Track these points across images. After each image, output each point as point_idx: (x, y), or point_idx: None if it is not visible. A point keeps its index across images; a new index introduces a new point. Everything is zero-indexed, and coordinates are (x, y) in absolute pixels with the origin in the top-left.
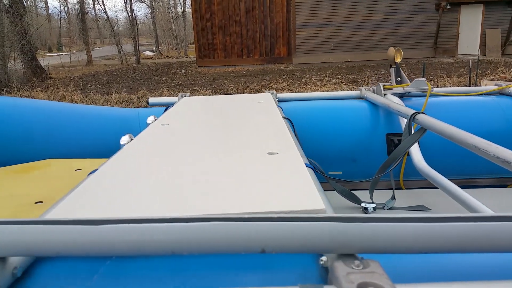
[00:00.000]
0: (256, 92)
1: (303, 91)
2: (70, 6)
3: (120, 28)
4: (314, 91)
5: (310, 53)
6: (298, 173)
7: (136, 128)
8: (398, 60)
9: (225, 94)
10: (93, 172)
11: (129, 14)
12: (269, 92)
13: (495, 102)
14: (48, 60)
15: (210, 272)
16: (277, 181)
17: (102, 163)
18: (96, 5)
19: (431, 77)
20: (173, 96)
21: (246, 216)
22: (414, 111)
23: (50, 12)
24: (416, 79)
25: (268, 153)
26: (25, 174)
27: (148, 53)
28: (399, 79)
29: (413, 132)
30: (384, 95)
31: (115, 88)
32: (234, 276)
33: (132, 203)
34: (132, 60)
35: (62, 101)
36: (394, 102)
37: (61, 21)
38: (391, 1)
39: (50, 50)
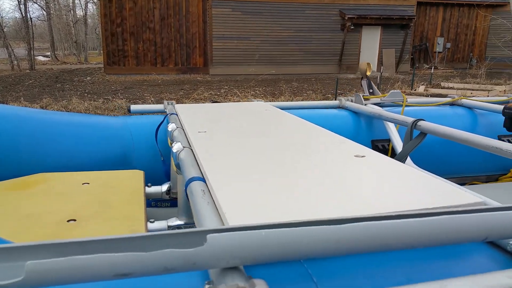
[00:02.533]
0: (177, 102)
1: (226, 101)
2: None
3: (5, 30)
4: (237, 101)
5: (226, 65)
6: (411, 173)
7: (127, 136)
8: (368, 73)
9: (213, 102)
10: (191, 180)
11: (23, 15)
12: (257, 101)
13: (454, 112)
14: None
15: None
16: (398, 182)
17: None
18: None
19: (339, 91)
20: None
21: (470, 208)
22: (412, 119)
23: None
24: (392, 91)
25: (355, 156)
26: (23, 190)
27: (41, 58)
28: (371, 90)
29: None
30: (365, 104)
31: (11, 96)
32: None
33: (284, 206)
34: (24, 65)
35: None
36: (378, 111)
37: None
38: (302, 19)
39: None
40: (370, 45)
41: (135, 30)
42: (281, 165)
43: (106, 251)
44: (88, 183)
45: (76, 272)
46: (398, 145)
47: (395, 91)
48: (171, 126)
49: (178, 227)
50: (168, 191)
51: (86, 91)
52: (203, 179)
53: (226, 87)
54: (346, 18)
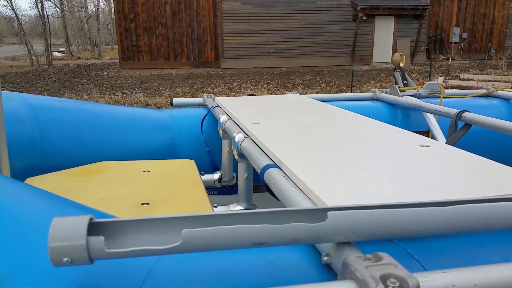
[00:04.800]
0: (193, 96)
1: (238, 95)
2: None
3: (23, 27)
4: (251, 95)
5: (238, 58)
6: (484, 162)
7: (174, 128)
8: (402, 64)
9: (250, 95)
10: (266, 167)
11: (40, 12)
12: (293, 93)
13: (491, 103)
14: None
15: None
16: (473, 170)
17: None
18: None
19: (353, 84)
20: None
21: None
22: (455, 110)
23: None
24: (429, 82)
25: (420, 146)
26: (89, 177)
27: (57, 53)
28: (405, 82)
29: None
30: (401, 96)
31: (34, 91)
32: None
33: (370, 190)
34: (42, 61)
35: None
36: (417, 102)
37: None
38: (313, 11)
39: None
40: (383, 36)
41: (148, 25)
42: (351, 154)
43: (246, 223)
44: (149, 171)
45: (222, 240)
46: (439, 136)
47: (432, 82)
48: (222, 118)
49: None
50: (219, 179)
51: (104, 85)
52: (278, 166)
53: (238, 80)
54: (358, 9)
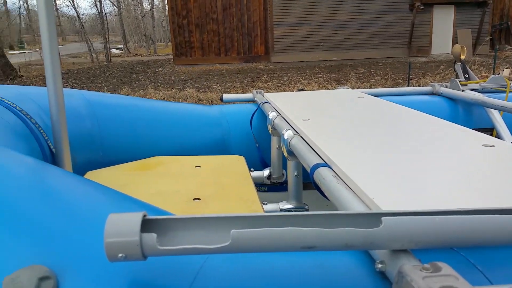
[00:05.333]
0: (243, 91)
1: (289, 90)
2: (30, 1)
3: (84, 25)
4: (301, 90)
5: (288, 52)
6: None
7: (224, 124)
8: (463, 56)
9: (299, 90)
10: (316, 166)
11: (99, 11)
12: (345, 88)
13: None
14: (9, 58)
15: None
16: None
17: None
18: (58, 1)
19: (411, 76)
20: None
21: None
22: None
23: (8, 8)
24: (493, 76)
25: (483, 145)
26: (144, 171)
27: (114, 50)
28: (467, 75)
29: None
30: (462, 90)
31: (95, 87)
32: None
33: (426, 194)
34: (101, 58)
35: None
36: (480, 97)
37: (21, 18)
38: (366, 1)
39: (11, 48)
40: (442, 26)
41: (199, 21)
42: (407, 154)
43: (296, 225)
44: (200, 166)
45: (271, 242)
46: (505, 135)
47: (496, 75)
48: (271, 115)
49: (289, 210)
50: (269, 176)
51: (159, 81)
52: (328, 165)
53: (288, 75)
54: None
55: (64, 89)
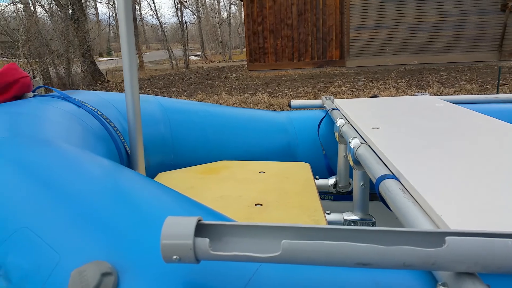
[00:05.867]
0: (314, 96)
1: (363, 95)
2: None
3: (166, 34)
4: (374, 96)
5: (364, 56)
6: None
7: (291, 130)
8: None
9: (372, 97)
10: (382, 178)
11: (180, 20)
12: (423, 94)
13: None
14: (98, 64)
15: None
16: None
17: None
18: (142, 11)
19: (502, 82)
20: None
21: None
22: None
23: (99, 18)
24: None
25: None
26: (212, 175)
27: (193, 57)
28: None
29: None
30: None
31: (173, 92)
32: None
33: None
34: (181, 64)
35: None
36: None
37: (110, 27)
38: (452, 2)
39: (100, 55)
40: None
41: (274, 27)
42: (487, 170)
43: (350, 240)
44: (264, 172)
45: (322, 256)
46: None
47: None
48: (339, 122)
49: (354, 221)
50: (335, 184)
51: (233, 86)
52: (395, 177)
53: (364, 79)
54: None
55: (141, 95)
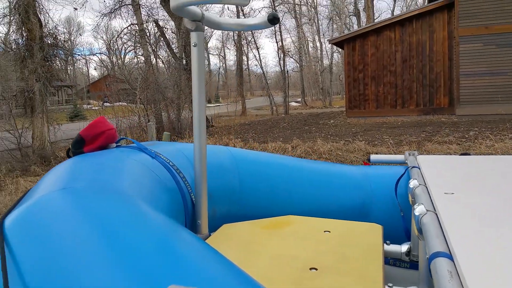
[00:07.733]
0: (417, 146)
1: (473, 147)
2: (227, 63)
3: (269, 81)
4: (464, 153)
5: (476, 104)
6: None
7: (366, 187)
8: None
9: (462, 154)
10: (435, 256)
11: (282, 69)
12: None
13: None
14: (206, 109)
15: None
16: None
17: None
18: (249, 61)
19: None
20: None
21: None
22: None
23: (210, 68)
24: None
25: None
26: (275, 230)
27: (293, 103)
28: None
29: None
30: None
31: (270, 136)
32: None
33: None
34: (280, 110)
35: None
36: None
37: (219, 76)
38: None
39: (209, 102)
40: None
41: (376, 74)
42: None
43: None
44: (329, 232)
45: None
46: None
47: None
48: (412, 183)
49: None
50: (408, 252)
51: (329, 133)
52: (450, 256)
53: (475, 129)
54: None
55: (213, 145)
